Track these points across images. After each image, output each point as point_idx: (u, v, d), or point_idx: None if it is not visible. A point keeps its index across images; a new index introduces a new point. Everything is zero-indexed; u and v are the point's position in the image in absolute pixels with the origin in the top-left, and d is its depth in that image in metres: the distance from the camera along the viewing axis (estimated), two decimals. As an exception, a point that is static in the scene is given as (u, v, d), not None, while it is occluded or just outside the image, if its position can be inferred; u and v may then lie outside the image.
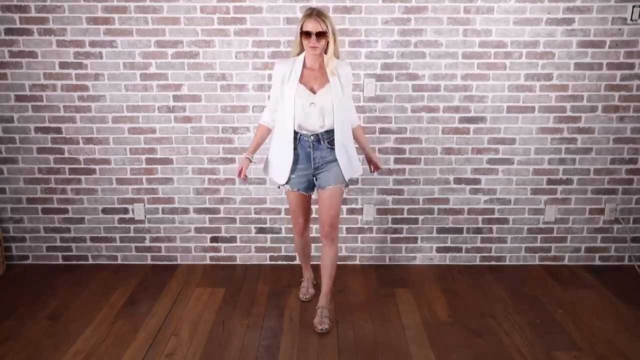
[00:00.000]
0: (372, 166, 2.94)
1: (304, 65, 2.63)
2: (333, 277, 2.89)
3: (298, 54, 2.66)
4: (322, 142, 2.67)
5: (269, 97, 2.78)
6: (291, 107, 2.61)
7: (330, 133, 2.67)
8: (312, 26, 2.51)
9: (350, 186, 3.37)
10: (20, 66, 3.33)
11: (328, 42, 2.56)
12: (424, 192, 3.55)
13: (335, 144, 2.67)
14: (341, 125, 2.67)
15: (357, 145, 2.88)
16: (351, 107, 2.82)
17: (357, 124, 2.87)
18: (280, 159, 2.72)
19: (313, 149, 2.68)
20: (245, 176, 2.75)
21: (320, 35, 2.52)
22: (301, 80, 2.62)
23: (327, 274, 2.86)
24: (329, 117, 2.64)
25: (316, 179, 2.76)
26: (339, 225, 3.23)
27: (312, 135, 2.66)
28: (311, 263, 3.24)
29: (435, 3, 3.25)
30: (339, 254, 3.08)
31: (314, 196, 2.89)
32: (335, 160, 2.69)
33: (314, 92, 2.61)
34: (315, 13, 2.52)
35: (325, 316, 2.85)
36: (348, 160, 2.73)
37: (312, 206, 2.99)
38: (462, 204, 3.57)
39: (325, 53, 2.61)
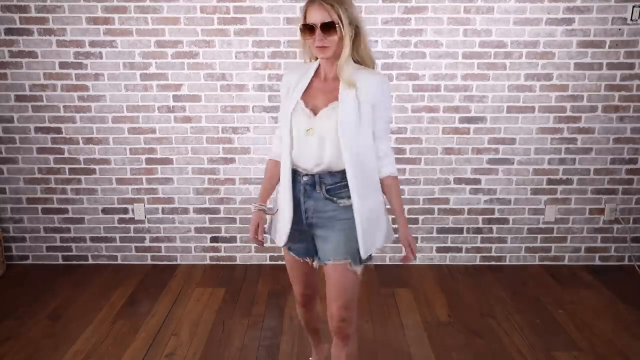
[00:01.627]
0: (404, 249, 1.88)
1: (316, 74, 1.84)
2: None
3: (311, 60, 1.88)
4: (317, 188, 1.80)
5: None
6: (287, 130, 1.79)
7: (334, 177, 1.79)
8: (315, 15, 1.69)
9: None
10: (20, 66, 3.33)
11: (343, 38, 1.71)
12: (424, 192, 3.55)
13: (353, 197, 1.76)
14: (354, 165, 1.74)
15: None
16: (385, 145, 1.83)
17: (389, 174, 1.85)
18: (281, 207, 1.88)
19: (304, 196, 1.82)
20: (262, 239, 1.92)
21: (328, 28, 1.69)
22: (305, 93, 1.81)
23: None
24: (330, 152, 1.75)
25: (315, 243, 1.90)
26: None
27: (305, 175, 1.81)
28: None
29: (436, 3, 3.25)
30: None
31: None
32: (345, 221, 1.79)
33: (315, 113, 1.77)
34: None
35: None
36: (368, 225, 1.79)
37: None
38: (462, 204, 3.57)
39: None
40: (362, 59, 1.80)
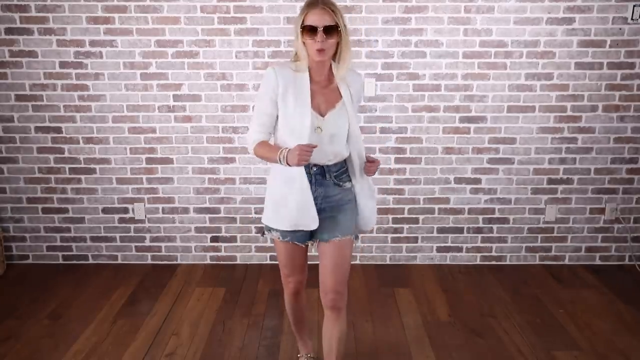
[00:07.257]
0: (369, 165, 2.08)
1: (311, 79, 1.93)
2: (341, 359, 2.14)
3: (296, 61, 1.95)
4: (326, 177, 2.00)
5: (252, 116, 2.02)
6: (306, 134, 1.88)
7: (337, 165, 2.01)
8: (318, 18, 1.78)
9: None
10: (20, 66, 3.33)
11: (339, 42, 1.86)
12: (424, 191, 3.55)
13: (356, 182, 2.06)
14: (358, 153, 2.02)
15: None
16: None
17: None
18: (293, 199, 1.96)
19: (315, 185, 1.98)
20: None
21: (330, 30, 1.80)
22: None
23: (334, 355, 2.08)
24: (340, 146, 1.97)
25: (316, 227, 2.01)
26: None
27: (314, 166, 1.97)
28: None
29: (436, 2, 3.25)
30: None
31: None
32: (348, 202, 2.04)
33: (322, 115, 1.93)
34: (321, 1, 1.82)
35: None
36: (372, 203, 2.11)
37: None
38: (462, 203, 3.57)
39: (334, 58, 1.92)
40: (344, 60, 1.91)
